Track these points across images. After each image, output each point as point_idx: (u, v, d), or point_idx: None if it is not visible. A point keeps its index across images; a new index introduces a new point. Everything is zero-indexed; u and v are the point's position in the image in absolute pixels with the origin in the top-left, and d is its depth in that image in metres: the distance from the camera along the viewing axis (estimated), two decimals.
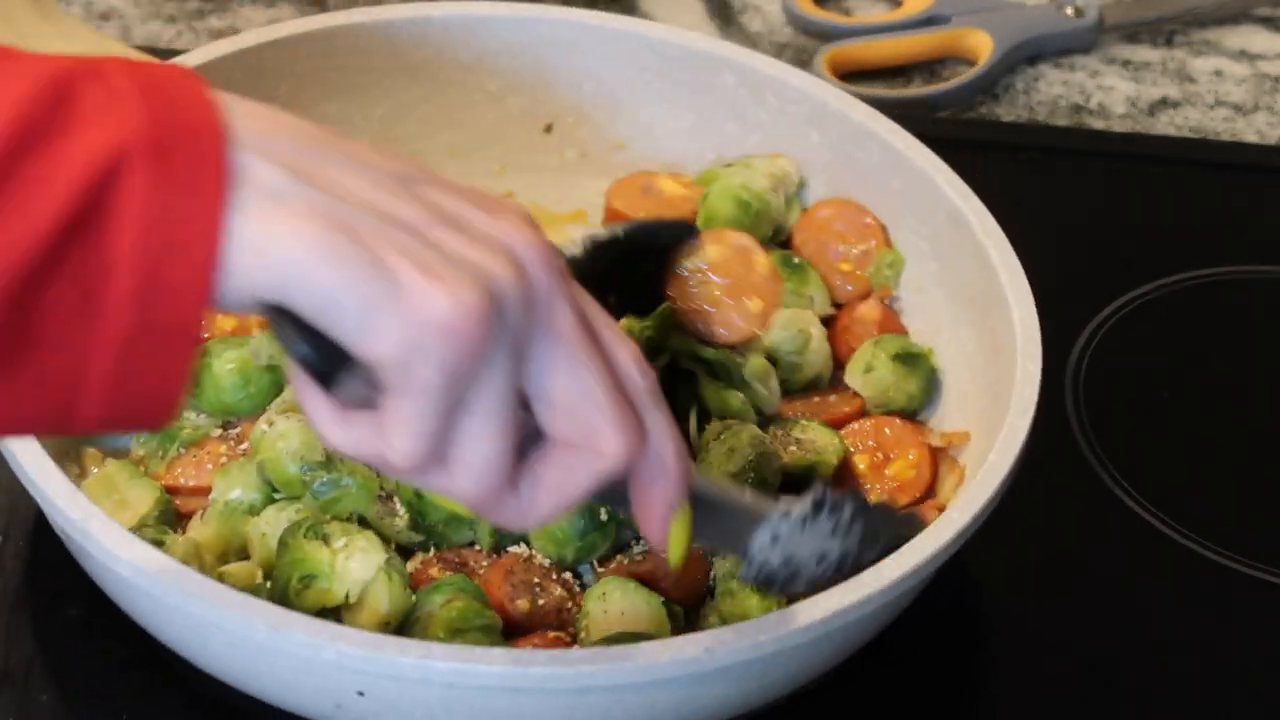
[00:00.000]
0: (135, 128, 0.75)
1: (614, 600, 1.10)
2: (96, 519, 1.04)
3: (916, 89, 1.56)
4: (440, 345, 0.79)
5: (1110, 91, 1.58)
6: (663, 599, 1.11)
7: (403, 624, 1.09)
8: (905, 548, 1.05)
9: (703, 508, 0.96)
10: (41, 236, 0.74)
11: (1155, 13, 1.63)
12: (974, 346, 1.20)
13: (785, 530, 0.99)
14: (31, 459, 1.07)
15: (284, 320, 0.80)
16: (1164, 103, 1.58)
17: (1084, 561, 1.23)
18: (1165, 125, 1.56)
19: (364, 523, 1.13)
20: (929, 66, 1.60)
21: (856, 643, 1.12)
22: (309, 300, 0.78)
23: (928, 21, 1.60)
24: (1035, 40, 1.60)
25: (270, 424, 1.15)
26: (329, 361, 0.82)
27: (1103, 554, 1.24)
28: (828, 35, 1.58)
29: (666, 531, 0.92)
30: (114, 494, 1.15)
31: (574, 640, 1.10)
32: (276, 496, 1.15)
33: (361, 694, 1.01)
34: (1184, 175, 1.51)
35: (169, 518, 1.15)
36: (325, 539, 1.10)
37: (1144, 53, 1.62)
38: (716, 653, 1.00)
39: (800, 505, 0.99)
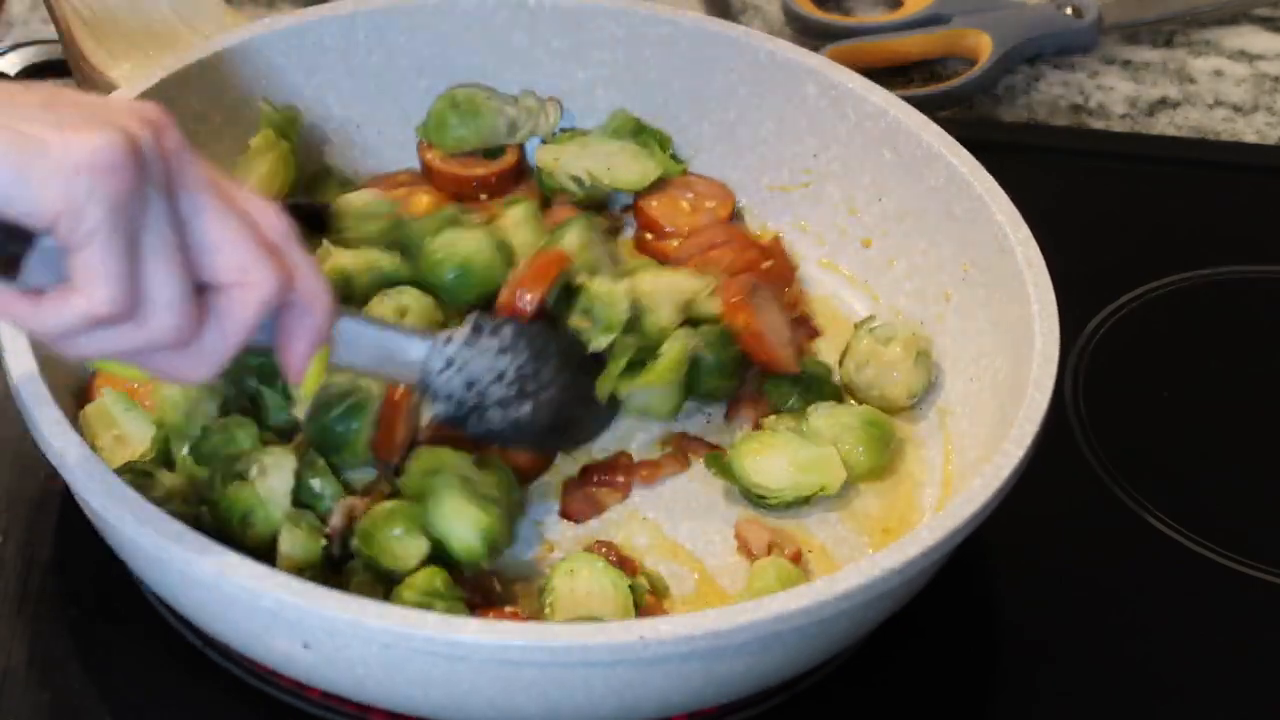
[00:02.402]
0: None
1: (582, 579, 1.11)
2: (73, 448, 1.06)
3: (916, 89, 1.56)
4: (96, 181, 0.89)
5: (1110, 91, 1.59)
6: (630, 581, 1.12)
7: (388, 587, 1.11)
8: (913, 537, 1.06)
9: (365, 340, 1.09)
10: None
11: (1155, 13, 1.63)
12: (1006, 373, 1.21)
13: (455, 352, 1.13)
14: (28, 388, 1.09)
15: None
16: (1164, 103, 1.58)
17: (1083, 560, 1.23)
18: (1165, 125, 1.56)
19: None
20: (929, 66, 1.60)
21: (842, 641, 1.12)
22: None
23: (928, 21, 1.60)
24: (1035, 40, 1.60)
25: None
26: (7, 245, 0.91)
27: (1101, 552, 1.24)
28: (828, 35, 1.58)
29: (307, 364, 1.01)
30: (112, 428, 1.17)
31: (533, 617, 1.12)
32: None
33: (307, 646, 1.03)
34: (1184, 175, 1.51)
35: (164, 455, 1.17)
36: (240, 476, 1.12)
37: (1144, 53, 1.62)
38: (651, 643, 1.00)
39: (461, 329, 1.14)
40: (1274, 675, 1.19)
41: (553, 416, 1.17)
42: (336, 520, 1.12)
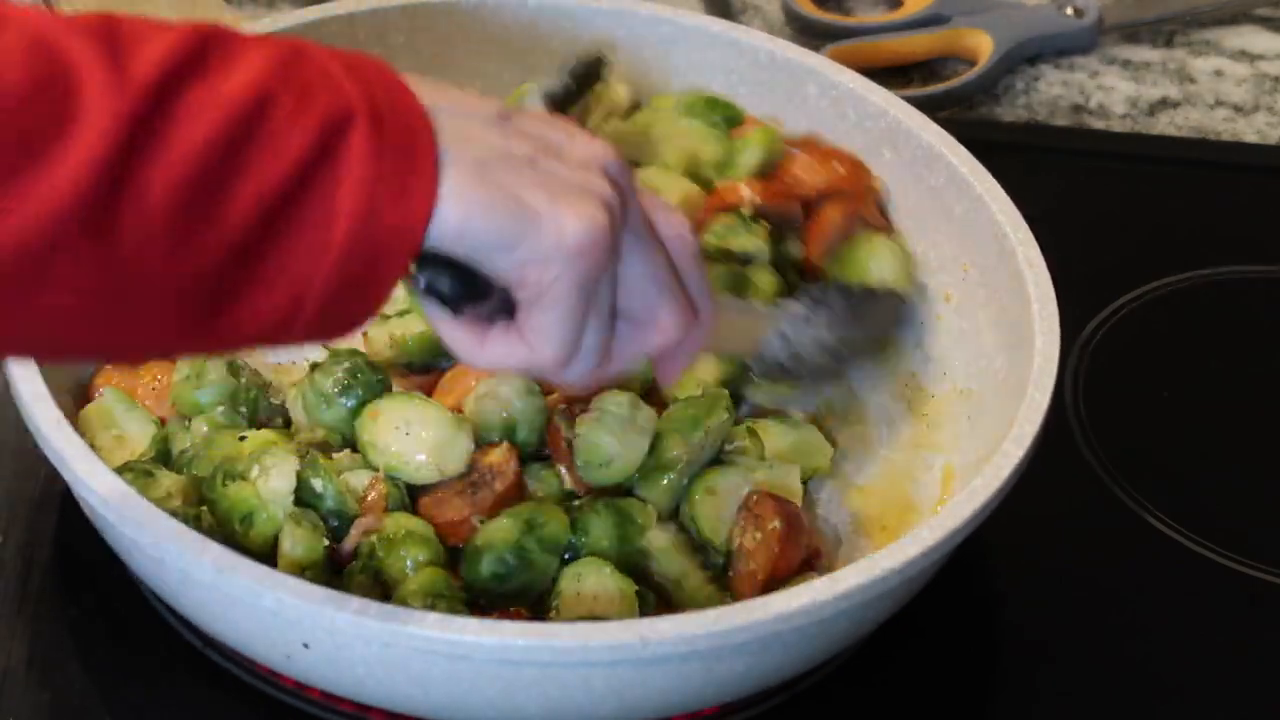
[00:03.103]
0: (354, 96, 0.86)
1: (588, 582, 1.11)
2: (74, 447, 1.06)
3: (916, 89, 1.56)
4: (576, 262, 0.90)
5: (1110, 91, 1.59)
6: (636, 587, 1.11)
7: (384, 586, 1.11)
8: (913, 537, 1.06)
9: (721, 325, 1.06)
10: (285, 172, 0.84)
11: (1155, 13, 1.63)
12: (1006, 373, 1.21)
13: (791, 330, 1.16)
14: (28, 387, 1.09)
15: (435, 264, 0.91)
16: (1164, 103, 1.58)
17: (1083, 560, 1.23)
18: (1165, 125, 1.56)
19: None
20: (929, 66, 1.60)
21: (842, 640, 1.12)
22: (470, 246, 0.89)
23: (928, 21, 1.60)
24: (1035, 40, 1.60)
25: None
26: (467, 292, 0.92)
27: (1101, 552, 1.24)
28: (828, 35, 1.59)
29: (679, 375, 1.04)
30: (112, 428, 1.17)
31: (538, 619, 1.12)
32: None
33: (307, 646, 1.03)
34: (1184, 175, 1.51)
35: (165, 455, 1.16)
36: (242, 475, 1.12)
37: (1144, 53, 1.62)
38: (651, 642, 1.00)
39: (801, 305, 1.17)
40: (1274, 675, 1.19)
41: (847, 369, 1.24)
42: (350, 543, 1.12)
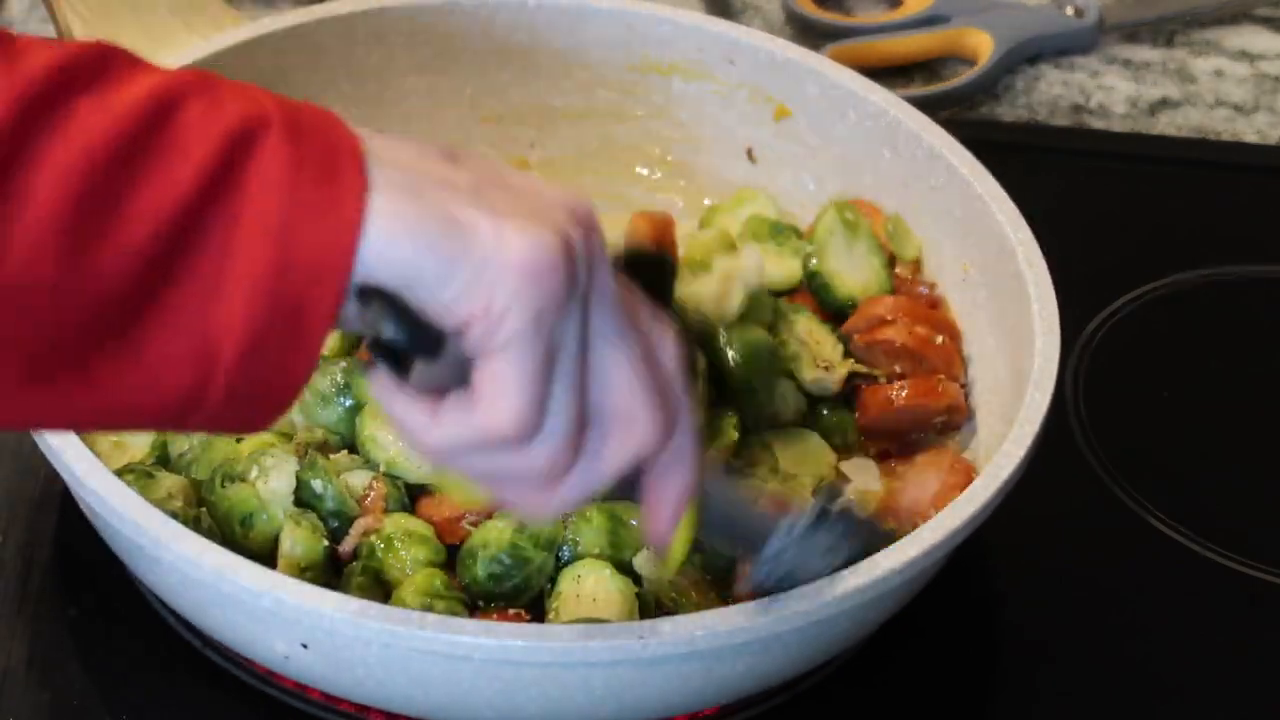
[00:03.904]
0: (270, 106, 0.76)
1: (587, 583, 1.11)
2: (74, 447, 1.06)
3: (916, 89, 1.56)
4: (524, 284, 0.77)
5: (1110, 91, 1.58)
6: (636, 588, 1.11)
7: (383, 584, 1.11)
8: (913, 537, 1.05)
9: (716, 509, 0.96)
10: (188, 181, 0.74)
11: (1155, 13, 1.63)
12: (1006, 374, 1.21)
13: (791, 544, 0.99)
14: None
15: (373, 304, 0.78)
16: (1164, 103, 1.58)
17: (1083, 560, 1.23)
18: (1165, 125, 1.56)
19: None
20: (929, 66, 1.60)
21: (842, 641, 1.12)
22: (402, 272, 0.77)
23: (928, 21, 1.60)
24: (1035, 40, 1.60)
25: None
26: (415, 345, 0.80)
27: (1101, 552, 1.24)
28: (828, 35, 1.59)
29: (674, 527, 0.90)
30: (110, 433, 1.16)
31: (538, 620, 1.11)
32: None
33: (306, 646, 1.03)
34: (1184, 175, 1.51)
35: (164, 459, 1.16)
36: (241, 477, 1.12)
37: (1144, 53, 1.62)
38: (650, 643, 1.00)
39: (804, 515, 0.99)
40: (1274, 675, 1.19)
41: None
42: (350, 543, 1.12)
